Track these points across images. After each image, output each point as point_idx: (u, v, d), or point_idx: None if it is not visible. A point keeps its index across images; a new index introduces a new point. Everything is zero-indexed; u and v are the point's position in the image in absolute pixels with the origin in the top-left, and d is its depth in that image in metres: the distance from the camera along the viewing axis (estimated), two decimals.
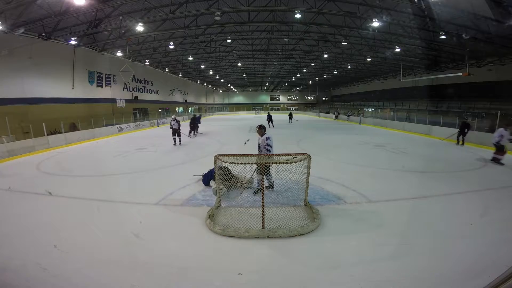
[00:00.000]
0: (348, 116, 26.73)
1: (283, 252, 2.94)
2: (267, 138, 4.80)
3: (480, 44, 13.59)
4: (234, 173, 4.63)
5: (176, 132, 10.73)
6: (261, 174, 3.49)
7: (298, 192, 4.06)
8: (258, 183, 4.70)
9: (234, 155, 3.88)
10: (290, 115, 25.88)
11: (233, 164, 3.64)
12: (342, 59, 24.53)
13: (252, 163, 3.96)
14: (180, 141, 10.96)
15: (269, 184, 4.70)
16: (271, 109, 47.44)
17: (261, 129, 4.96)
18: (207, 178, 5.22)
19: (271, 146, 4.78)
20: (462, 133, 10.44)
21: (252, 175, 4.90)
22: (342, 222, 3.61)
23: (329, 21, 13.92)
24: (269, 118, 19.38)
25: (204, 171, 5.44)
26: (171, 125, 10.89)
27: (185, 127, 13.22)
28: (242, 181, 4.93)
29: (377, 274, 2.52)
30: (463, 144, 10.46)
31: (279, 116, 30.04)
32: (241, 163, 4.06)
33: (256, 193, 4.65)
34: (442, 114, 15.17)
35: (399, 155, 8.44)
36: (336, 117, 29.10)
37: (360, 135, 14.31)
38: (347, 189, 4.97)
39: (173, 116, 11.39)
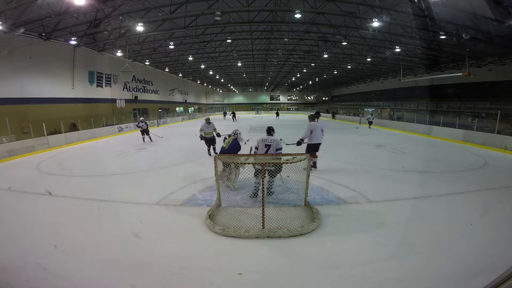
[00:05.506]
0: (369, 122, 18.87)
1: (283, 252, 2.94)
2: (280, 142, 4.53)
3: (480, 44, 13.57)
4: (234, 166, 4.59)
5: None
6: (260, 177, 3.45)
7: (298, 192, 4.05)
8: (254, 186, 4.43)
9: (234, 155, 3.88)
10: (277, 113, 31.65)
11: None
12: (342, 59, 24.48)
13: (252, 163, 3.97)
14: None
15: (268, 190, 4.39)
16: (271, 109, 47.73)
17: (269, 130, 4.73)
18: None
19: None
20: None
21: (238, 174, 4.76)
22: (342, 222, 3.61)
23: (329, 21, 13.90)
24: (233, 115, 28.19)
25: (205, 170, 5.50)
26: None
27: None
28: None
29: (377, 274, 2.52)
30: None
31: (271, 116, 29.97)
32: (241, 163, 4.08)
33: (252, 196, 4.41)
34: (442, 114, 15.17)
35: (399, 155, 8.43)
36: (372, 122, 18.60)
37: (360, 135, 14.30)
38: (347, 189, 4.97)
39: None
